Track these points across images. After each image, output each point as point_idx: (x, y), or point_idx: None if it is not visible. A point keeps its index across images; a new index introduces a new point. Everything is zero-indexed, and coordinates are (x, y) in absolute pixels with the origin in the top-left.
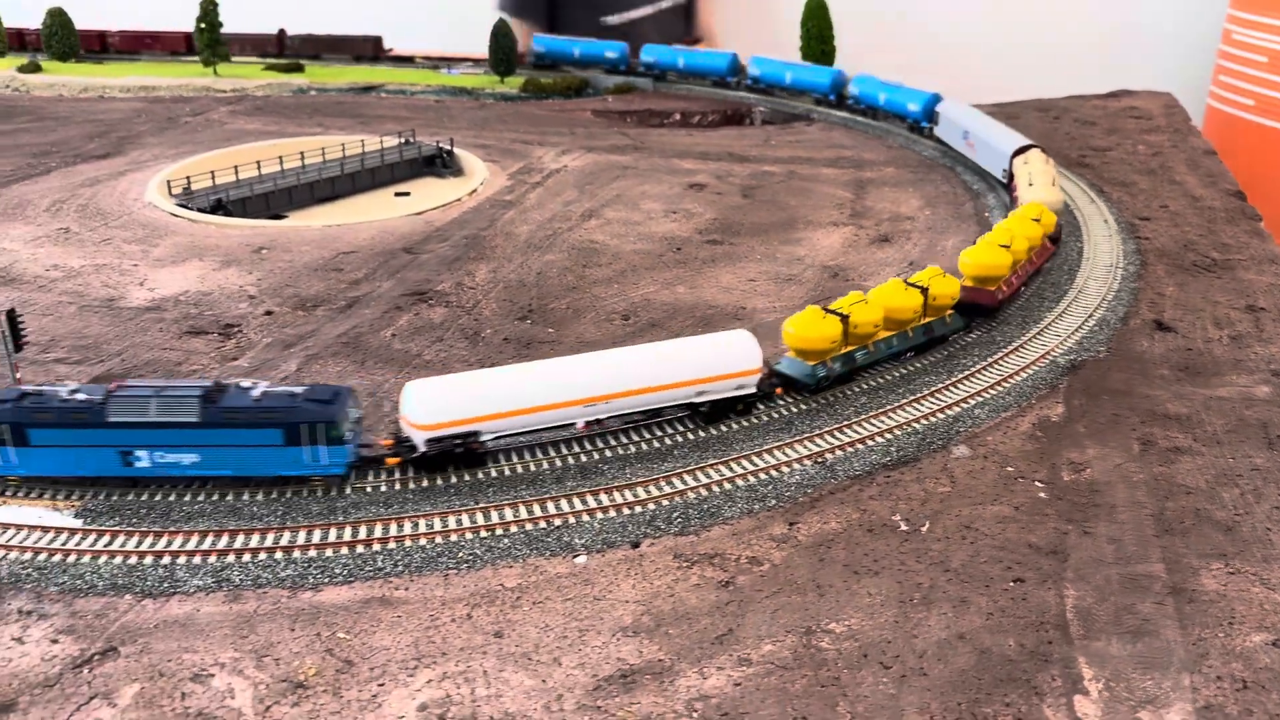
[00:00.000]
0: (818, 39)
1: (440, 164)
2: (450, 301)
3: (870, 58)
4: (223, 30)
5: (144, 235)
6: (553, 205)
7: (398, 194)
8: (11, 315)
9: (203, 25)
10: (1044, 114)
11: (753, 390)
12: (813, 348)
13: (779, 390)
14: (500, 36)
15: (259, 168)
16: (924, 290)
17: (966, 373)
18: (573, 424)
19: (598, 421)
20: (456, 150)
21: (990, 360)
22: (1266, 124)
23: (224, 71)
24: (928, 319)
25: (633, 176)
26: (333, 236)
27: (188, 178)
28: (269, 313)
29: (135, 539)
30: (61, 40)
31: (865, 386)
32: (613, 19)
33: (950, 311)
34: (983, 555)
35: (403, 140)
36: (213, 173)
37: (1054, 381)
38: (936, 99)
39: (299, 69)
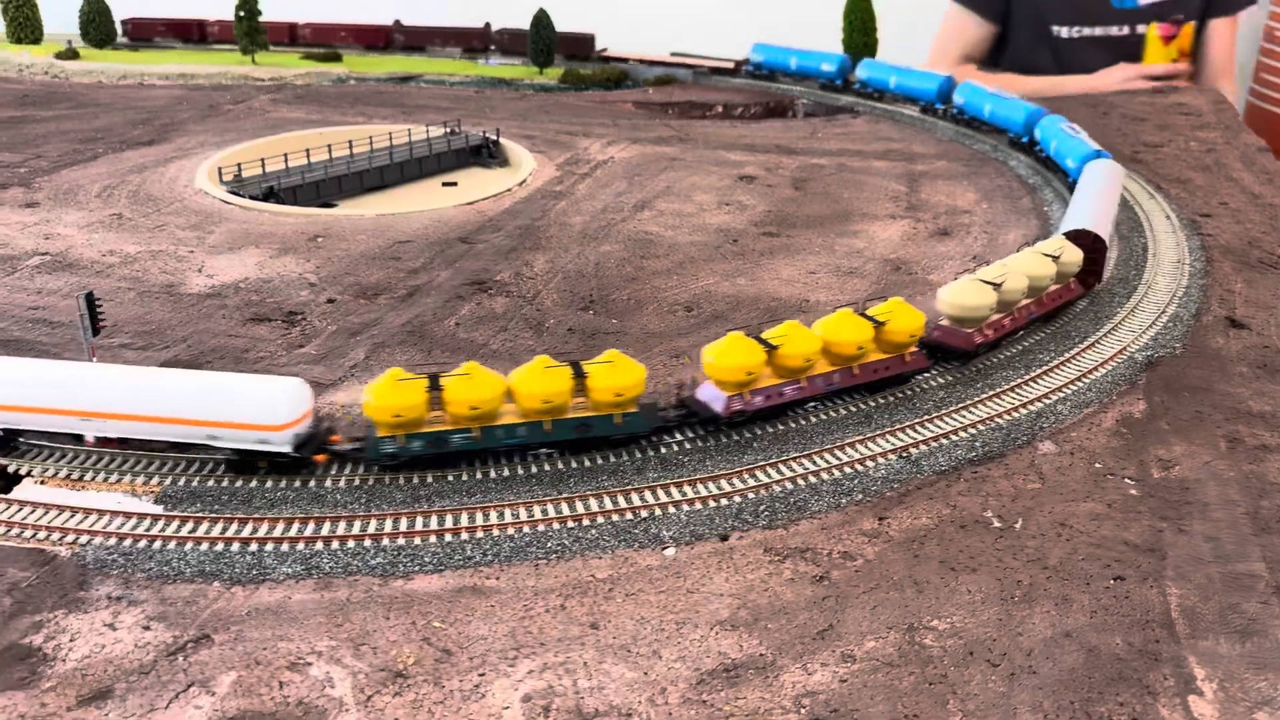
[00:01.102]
0: (860, 30)
1: (486, 154)
2: (511, 291)
3: (914, 51)
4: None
5: (197, 222)
6: (604, 196)
7: (445, 184)
8: (90, 298)
9: (241, 13)
10: (1093, 109)
11: (285, 449)
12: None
13: (321, 458)
14: (540, 27)
15: (308, 156)
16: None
17: (1044, 368)
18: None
19: (123, 441)
20: (502, 140)
21: (1067, 356)
22: None
23: (262, 60)
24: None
25: (681, 168)
26: (387, 225)
27: (238, 165)
28: (331, 300)
29: (220, 525)
30: (99, 27)
31: (939, 381)
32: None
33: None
34: (1080, 552)
35: (448, 130)
36: (263, 160)
37: (1133, 378)
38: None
39: (337, 58)
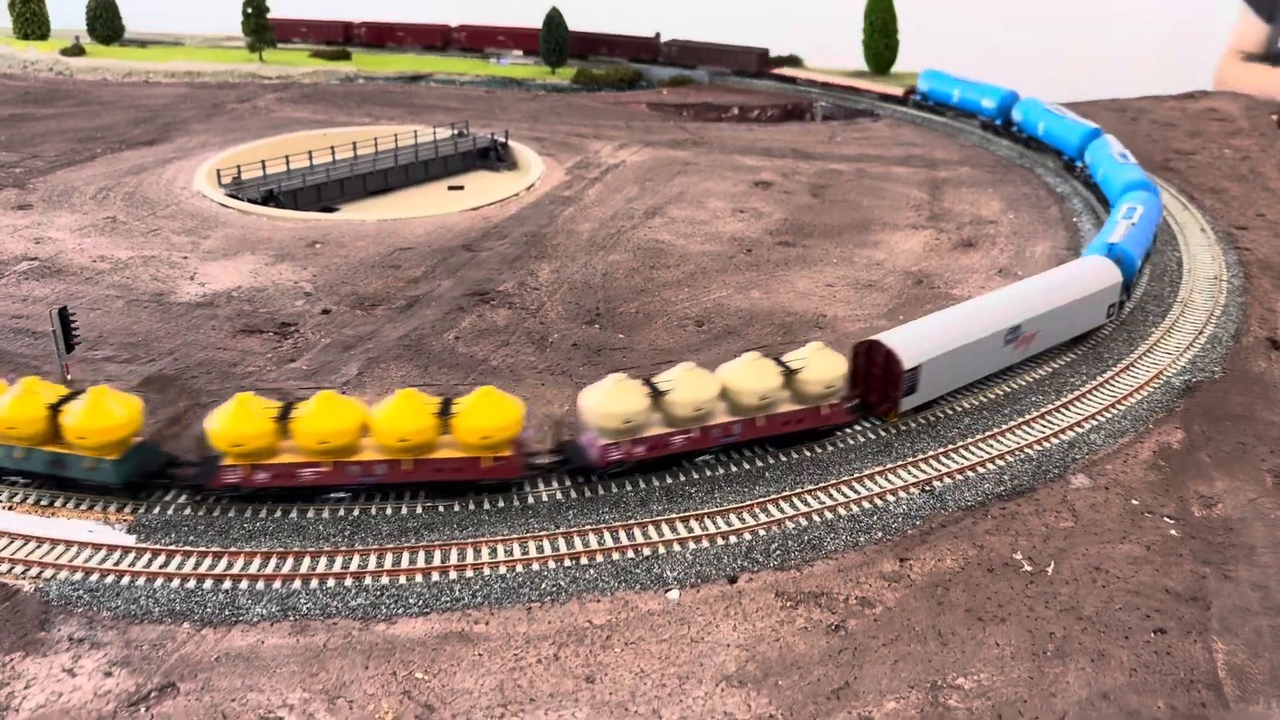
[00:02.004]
0: (881, 33)
1: (494, 157)
2: (514, 303)
3: (935, 54)
4: (568, 31)
5: (193, 226)
6: (614, 202)
7: (451, 188)
8: (64, 314)
9: (249, 10)
10: (1120, 114)
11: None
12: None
13: None
14: (553, 26)
15: (310, 158)
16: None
17: (1076, 393)
18: None
19: None
20: (511, 143)
21: (1100, 380)
22: None
23: (269, 58)
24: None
25: (694, 173)
26: (388, 231)
27: (238, 167)
28: (326, 311)
29: (194, 560)
30: (105, 24)
31: (966, 406)
32: None
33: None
34: (1117, 601)
35: (456, 132)
36: (263, 162)
37: (1170, 404)
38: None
39: (346, 56)
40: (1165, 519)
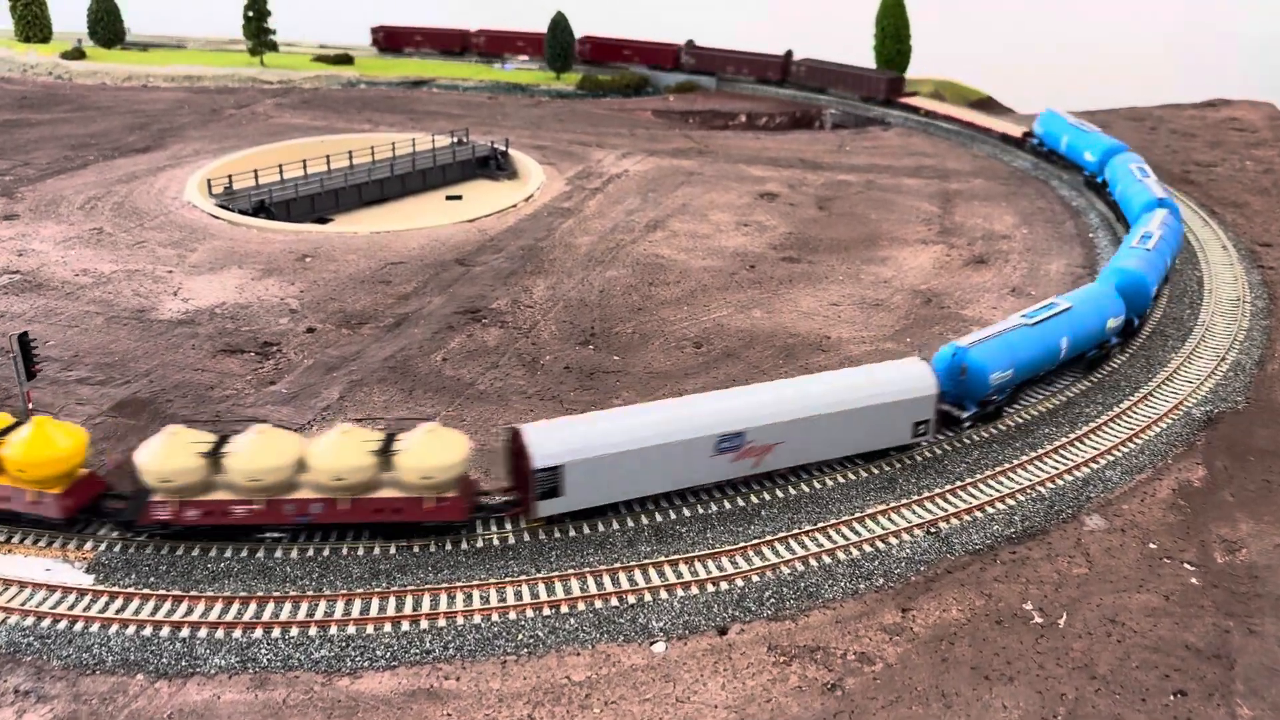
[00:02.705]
0: (893, 38)
1: (494, 166)
2: (506, 321)
3: (948, 61)
4: (721, 48)
5: (181, 238)
6: (614, 214)
7: (449, 197)
8: (24, 340)
9: (250, 14)
10: (1138, 124)
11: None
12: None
13: None
14: (558, 30)
15: (305, 167)
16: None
17: (1090, 425)
18: None
19: None
20: (511, 151)
21: (1116, 411)
22: None
23: (270, 62)
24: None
25: (699, 183)
26: (381, 244)
27: (229, 176)
28: (311, 330)
29: (153, 604)
30: (107, 27)
31: (977, 439)
32: None
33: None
34: (1133, 658)
35: (455, 140)
36: (256, 171)
37: (1190, 438)
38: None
39: (348, 60)
40: (1185, 565)
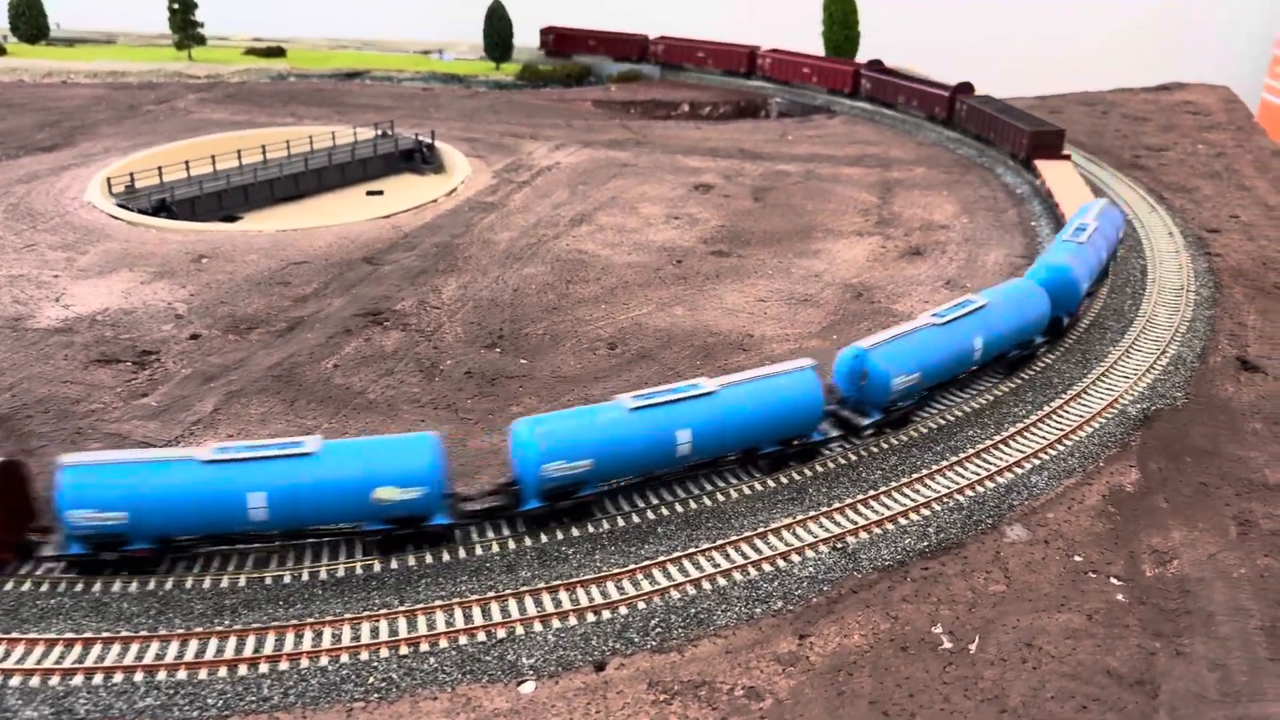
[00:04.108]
0: (841, 24)
1: (419, 159)
2: (409, 324)
3: (899, 47)
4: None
5: (74, 240)
6: (540, 208)
7: (370, 193)
8: None
9: (175, 6)
10: (1090, 108)
11: None
12: None
13: None
14: (495, 19)
15: (214, 163)
16: None
17: (1018, 426)
18: None
19: None
20: (438, 144)
21: (1046, 410)
22: None
23: (200, 56)
24: None
25: (632, 175)
26: (285, 243)
27: (131, 174)
28: (195, 336)
29: None
30: (29, 22)
31: (895, 443)
32: None
33: None
34: (1049, 687)
35: (379, 133)
36: (160, 169)
37: (1124, 438)
38: None
39: (280, 53)
40: (1112, 580)
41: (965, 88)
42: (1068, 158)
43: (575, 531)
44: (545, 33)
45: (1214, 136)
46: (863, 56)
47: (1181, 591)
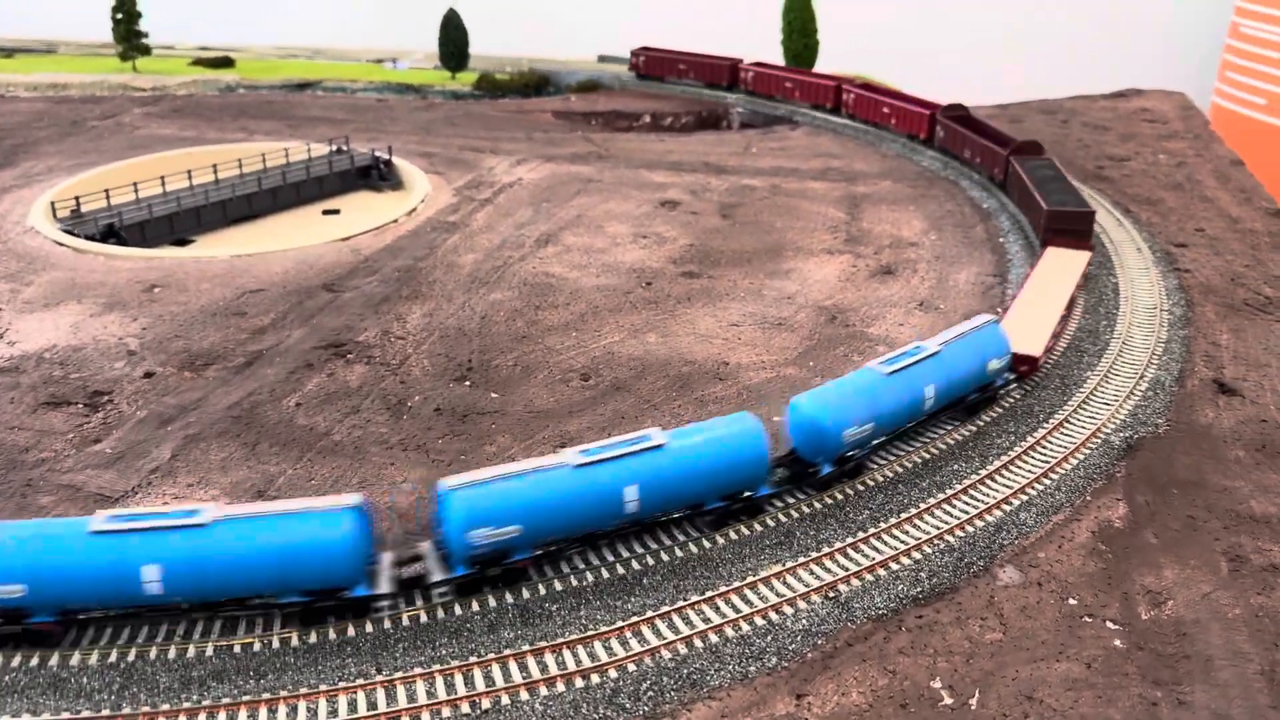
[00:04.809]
0: (800, 33)
1: (377, 176)
2: (373, 356)
3: (857, 56)
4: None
5: (16, 270)
6: (503, 228)
7: (326, 212)
8: None
9: (119, 15)
10: (1050, 116)
11: None
12: None
13: None
14: (451, 28)
15: (163, 184)
16: None
17: (1002, 459)
18: None
19: None
20: (396, 160)
21: (1030, 442)
22: None
23: (144, 67)
24: None
25: (596, 192)
26: (240, 269)
27: (76, 198)
28: (149, 375)
29: None
30: None
31: (880, 479)
32: None
33: None
34: None
35: (334, 149)
36: (107, 191)
37: (1109, 468)
38: None
39: (229, 63)
40: (1108, 624)
41: (1032, 147)
42: (1090, 248)
43: (558, 585)
44: (636, 54)
45: (1173, 145)
46: (821, 68)
47: (1178, 635)
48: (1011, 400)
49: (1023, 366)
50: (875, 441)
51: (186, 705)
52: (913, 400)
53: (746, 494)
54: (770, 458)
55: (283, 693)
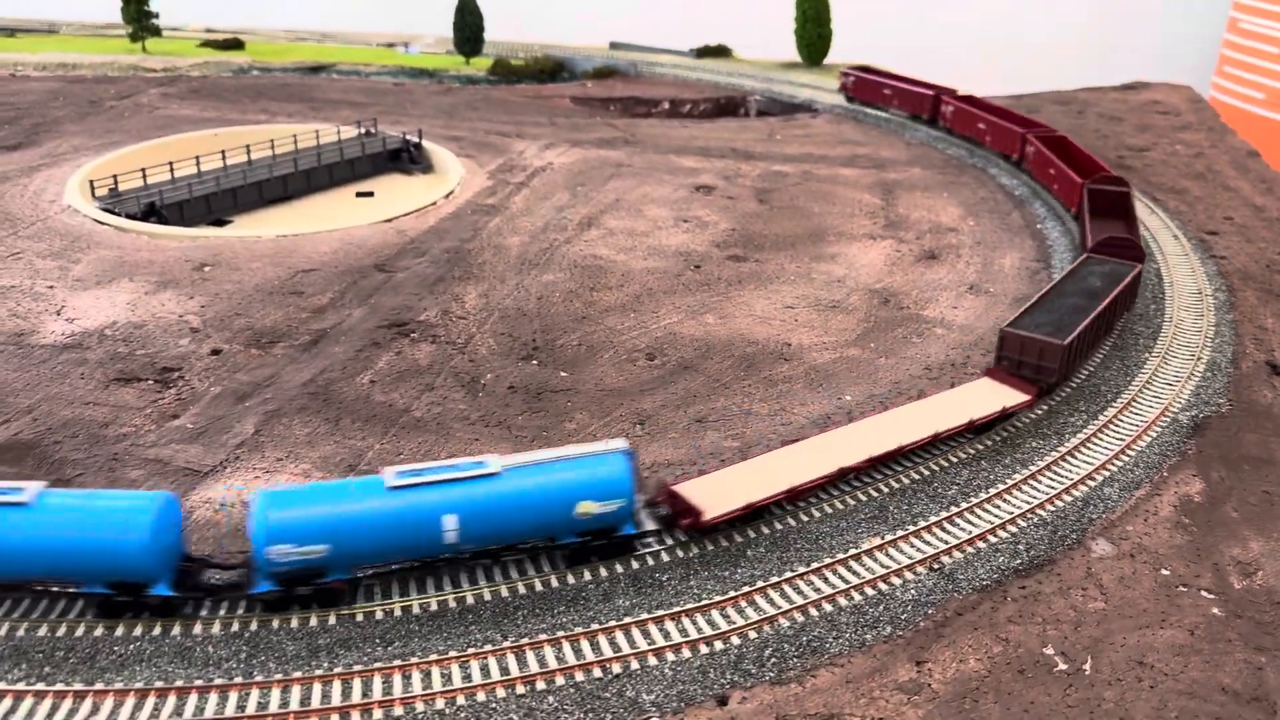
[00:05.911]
0: (814, 23)
1: (407, 159)
2: (438, 336)
3: (870, 47)
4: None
5: (62, 248)
6: (544, 211)
7: (359, 194)
8: None
9: None
10: (1065, 107)
11: None
12: None
13: None
14: (466, 13)
15: (198, 164)
16: None
17: (1079, 437)
18: None
19: None
20: (425, 143)
21: (1102, 421)
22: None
23: (153, 48)
24: None
25: (629, 176)
26: (288, 249)
27: (114, 176)
28: (216, 351)
29: (49, 703)
30: None
31: (963, 455)
32: None
33: None
34: (1171, 706)
35: (363, 131)
36: (144, 170)
37: (1181, 446)
38: None
39: (239, 45)
40: (1203, 593)
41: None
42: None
43: (665, 556)
44: (845, 75)
45: (1188, 137)
46: (834, 59)
47: (1273, 603)
48: (1078, 380)
49: (685, 519)
50: (360, 568)
51: (318, 673)
52: (419, 532)
53: (607, 532)
54: (633, 496)
55: (414, 659)
